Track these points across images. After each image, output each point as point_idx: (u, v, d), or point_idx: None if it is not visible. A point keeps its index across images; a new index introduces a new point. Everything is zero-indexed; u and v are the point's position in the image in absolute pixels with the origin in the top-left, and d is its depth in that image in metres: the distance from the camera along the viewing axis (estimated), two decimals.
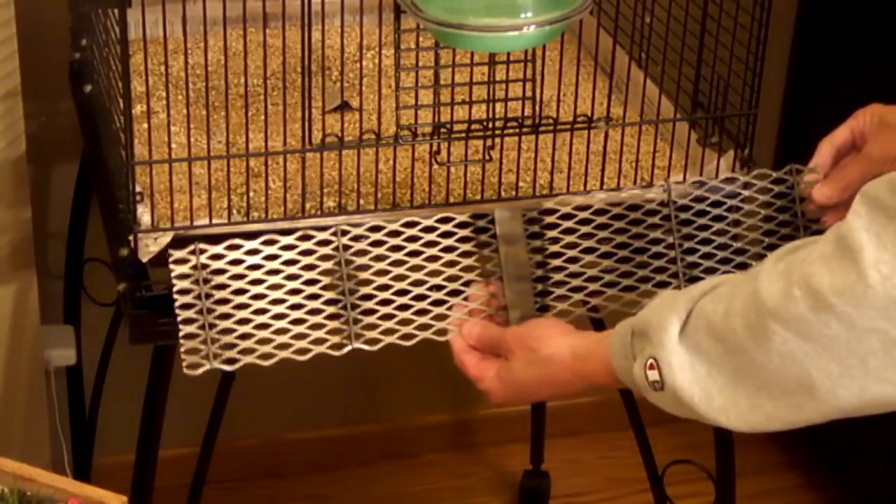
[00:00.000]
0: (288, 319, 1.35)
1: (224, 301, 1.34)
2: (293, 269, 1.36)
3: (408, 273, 1.39)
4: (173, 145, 1.49)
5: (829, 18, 2.18)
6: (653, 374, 1.15)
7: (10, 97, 1.59)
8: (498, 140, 1.48)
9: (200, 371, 1.32)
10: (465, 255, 1.41)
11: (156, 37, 1.63)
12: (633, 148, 1.51)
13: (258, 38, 1.50)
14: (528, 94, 1.44)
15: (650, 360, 1.15)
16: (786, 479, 2.37)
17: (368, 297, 1.37)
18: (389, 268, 1.38)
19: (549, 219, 1.43)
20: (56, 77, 1.85)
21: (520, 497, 2.31)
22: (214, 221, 1.39)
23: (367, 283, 1.37)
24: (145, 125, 1.44)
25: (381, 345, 1.37)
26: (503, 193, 1.47)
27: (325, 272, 1.37)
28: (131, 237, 1.37)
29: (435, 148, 1.46)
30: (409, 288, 1.39)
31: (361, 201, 1.44)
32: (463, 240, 1.41)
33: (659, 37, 1.52)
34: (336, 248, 1.37)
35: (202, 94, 1.58)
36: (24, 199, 1.65)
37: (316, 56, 1.54)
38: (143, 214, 1.38)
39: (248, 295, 1.35)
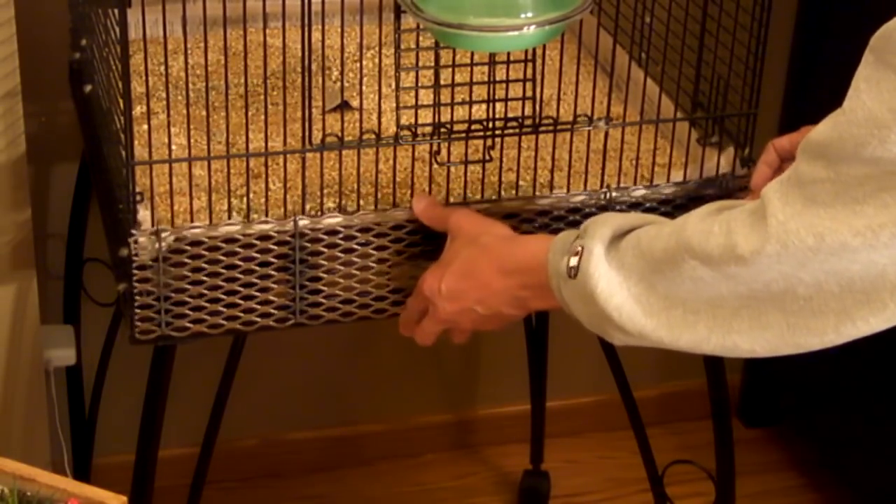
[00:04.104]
0: (239, 295, 1.42)
1: (181, 277, 1.40)
2: (250, 252, 1.41)
3: (356, 259, 1.44)
4: (173, 146, 1.49)
5: (828, 19, 2.18)
6: (573, 261, 1.24)
7: (10, 97, 1.59)
8: (498, 140, 1.48)
9: (152, 336, 1.41)
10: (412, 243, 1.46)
11: (156, 37, 1.63)
12: (633, 146, 1.51)
13: (258, 38, 1.50)
14: (529, 93, 1.44)
15: (578, 248, 1.24)
16: (786, 479, 2.37)
17: (316, 278, 1.43)
18: (340, 254, 1.43)
19: (495, 218, 1.46)
20: (56, 77, 1.85)
21: (520, 497, 2.31)
22: (214, 223, 1.40)
23: (316, 266, 1.43)
24: (145, 126, 1.44)
25: (322, 321, 1.45)
26: (503, 193, 1.48)
27: (279, 256, 1.41)
28: (131, 239, 1.37)
29: (435, 148, 1.46)
30: (355, 272, 1.44)
31: (361, 202, 1.44)
32: (412, 233, 1.45)
33: (659, 37, 1.52)
34: (292, 235, 1.40)
35: (202, 94, 1.58)
36: (24, 199, 1.65)
37: (316, 56, 1.54)
38: (144, 215, 1.38)
39: (204, 273, 1.40)
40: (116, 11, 1.32)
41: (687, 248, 1.16)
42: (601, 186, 1.49)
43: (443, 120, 1.44)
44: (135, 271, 1.38)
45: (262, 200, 1.43)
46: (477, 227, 1.39)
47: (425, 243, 1.45)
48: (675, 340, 1.19)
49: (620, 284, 1.21)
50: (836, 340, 1.12)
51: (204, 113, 1.51)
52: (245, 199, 1.43)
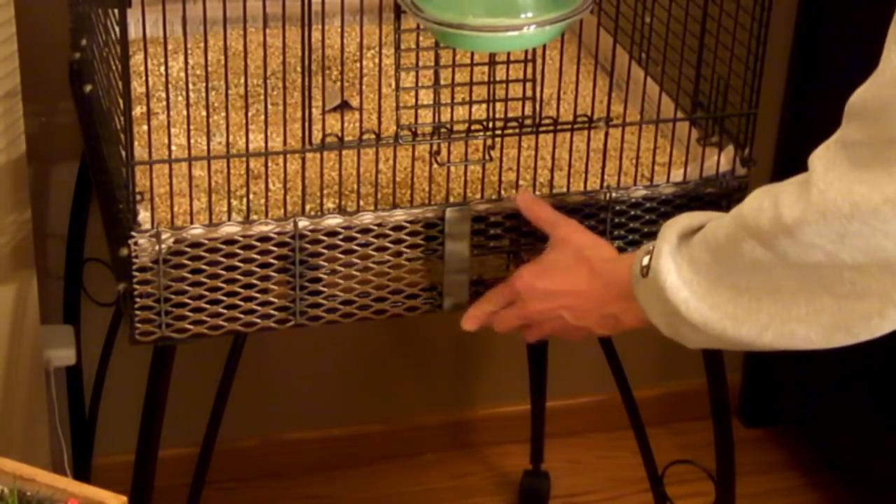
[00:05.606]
0: (239, 296, 1.42)
1: (181, 279, 1.40)
2: (249, 254, 1.41)
3: (356, 260, 1.44)
4: (173, 147, 1.49)
5: (829, 18, 2.18)
6: (646, 260, 1.26)
7: (10, 97, 1.59)
8: (498, 140, 1.48)
9: (152, 337, 1.41)
10: (413, 247, 1.46)
11: (156, 37, 1.63)
12: (633, 145, 1.51)
13: (258, 38, 1.50)
14: (529, 93, 1.44)
15: (651, 248, 1.27)
16: (786, 479, 2.37)
17: (317, 279, 1.43)
18: (340, 255, 1.43)
19: (495, 218, 1.46)
20: (56, 77, 1.85)
21: (520, 497, 2.31)
22: (214, 223, 1.40)
23: (316, 267, 1.43)
24: (145, 127, 1.45)
25: (322, 321, 1.45)
26: (503, 192, 1.48)
27: (279, 257, 1.42)
28: (131, 240, 1.37)
29: (435, 148, 1.46)
30: (355, 273, 1.44)
31: (361, 202, 1.44)
32: (413, 234, 1.45)
33: (659, 37, 1.52)
34: (292, 236, 1.40)
35: (202, 94, 1.58)
36: (24, 199, 1.65)
37: (316, 56, 1.54)
38: (144, 216, 1.38)
39: (204, 274, 1.40)
40: (116, 11, 1.32)
41: (744, 227, 1.17)
42: (601, 186, 1.49)
43: (443, 120, 1.44)
44: (135, 272, 1.38)
45: (262, 201, 1.43)
46: (584, 241, 1.41)
47: (426, 243, 1.46)
48: (738, 330, 1.20)
49: (688, 277, 1.23)
50: (883, 326, 1.13)
51: (204, 113, 1.51)
52: (245, 199, 1.42)
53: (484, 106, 1.46)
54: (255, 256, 1.41)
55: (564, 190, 1.49)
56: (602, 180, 1.49)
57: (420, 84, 1.43)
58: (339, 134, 1.41)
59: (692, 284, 1.23)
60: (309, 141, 1.40)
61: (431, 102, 1.43)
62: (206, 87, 1.52)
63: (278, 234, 1.41)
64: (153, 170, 1.39)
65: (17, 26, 1.58)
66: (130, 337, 1.42)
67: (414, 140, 1.44)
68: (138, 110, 1.57)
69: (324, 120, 1.43)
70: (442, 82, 1.43)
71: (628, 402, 1.93)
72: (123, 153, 1.37)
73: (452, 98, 1.43)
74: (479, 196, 1.48)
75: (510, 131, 1.46)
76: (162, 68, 1.64)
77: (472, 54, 1.42)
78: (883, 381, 2.14)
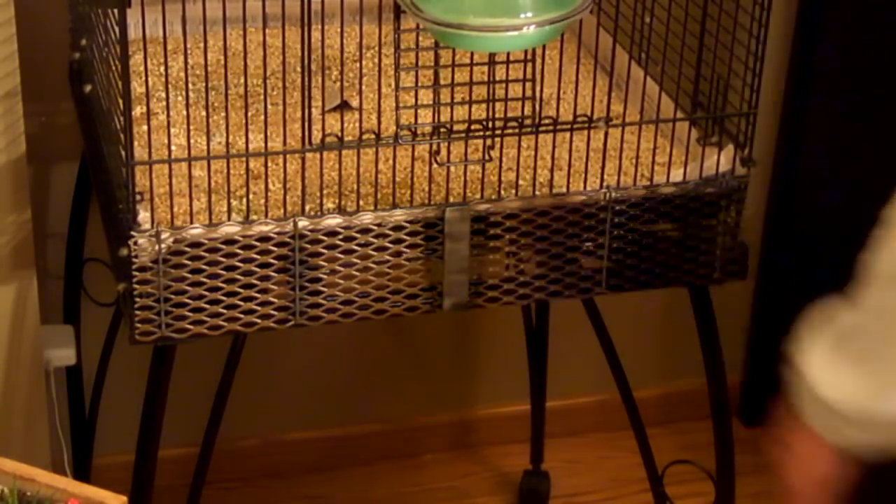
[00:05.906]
0: (239, 296, 1.42)
1: (181, 279, 1.40)
2: (249, 254, 1.41)
3: (356, 260, 1.44)
4: (173, 147, 1.49)
5: (828, 18, 2.18)
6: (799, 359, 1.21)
7: (10, 97, 1.59)
8: (498, 140, 1.48)
9: (152, 337, 1.41)
10: (413, 247, 1.46)
11: (156, 37, 1.63)
12: (633, 145, 1.51)
13: (258, 38, 1.50)
14: (528, 93, 1.45)
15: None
16: None
17: (316, 279, 1.43)
18: (340, 255, 1.43)
19: (495, 218, 1.47)
20: (56, 77, 1.85)
21: (520, 497, 2.31)
22: (213, 223, 1.40)
23: (316, 267, 1.43)
24: (145, 127, 1.45)
25: (322, 321, 1.45)
26: (503, 192, 1.48)
27: (279, 257, 1.42)
28: (131, 240, 1.37)
29: (435, 148, 1.46)
30: (355, 273, 1.45)
31: (361, 202, 1.44)
32: (413, 234, 1.45)
33: (659, 37, 1.52)
34: (292, 236, 1.41)
35: (202, 94, 1.59)
36: (24, 199, 1.65)
37: (316, 56, 1.54)
38: (143, 216, 1.38)
39: (204, 274, 1.40)
40: (116, 11, 1.32)
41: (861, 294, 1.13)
42: (601, 186, 1.49)
43: (442, 120, 1.44)
44: (135, 272, 1.38)
45: (262, 201, 1.43)
46: None
47: (426, 243, 1.46)
48: (860, 400, 1.15)
49: (820, 362, 1.18)
50: None
51: (204, 113, 1.51)
52: (245, 199, 1.43)
53: (484, 106, 1.46)
54: (255, 256, 1.41)
55: (564, 190, 1.49)
56: (602, 180, 1.49)
57: (420, 84, 1.43)
58: (339, 134, 1.42)
59: (832, 368, 1.17)
60: (309, 141, 1.41)
61: (431, 102, 1.44)
62: (206, 87, 1.52)
63: (278, 234, 1.41)
64: (153, 170, 1.39)
65: (17, 26, 1.58)
66: (130, 337, 1.42)
67: (414, 140, 1.44)
68: (138, 110, 1.57)
69: (323, 120, 1.43)
70: (442, 82, 1.43)
71: (628, 402, 1.93)
72: (123, 153, 1.37)
73: (452, 98, 1.43)
74: (478, 196, 1.48)
75: (510, 131, 1.46)
76: (162, 68, 1.64)
77: (472, 54, 1.43)
78: None
